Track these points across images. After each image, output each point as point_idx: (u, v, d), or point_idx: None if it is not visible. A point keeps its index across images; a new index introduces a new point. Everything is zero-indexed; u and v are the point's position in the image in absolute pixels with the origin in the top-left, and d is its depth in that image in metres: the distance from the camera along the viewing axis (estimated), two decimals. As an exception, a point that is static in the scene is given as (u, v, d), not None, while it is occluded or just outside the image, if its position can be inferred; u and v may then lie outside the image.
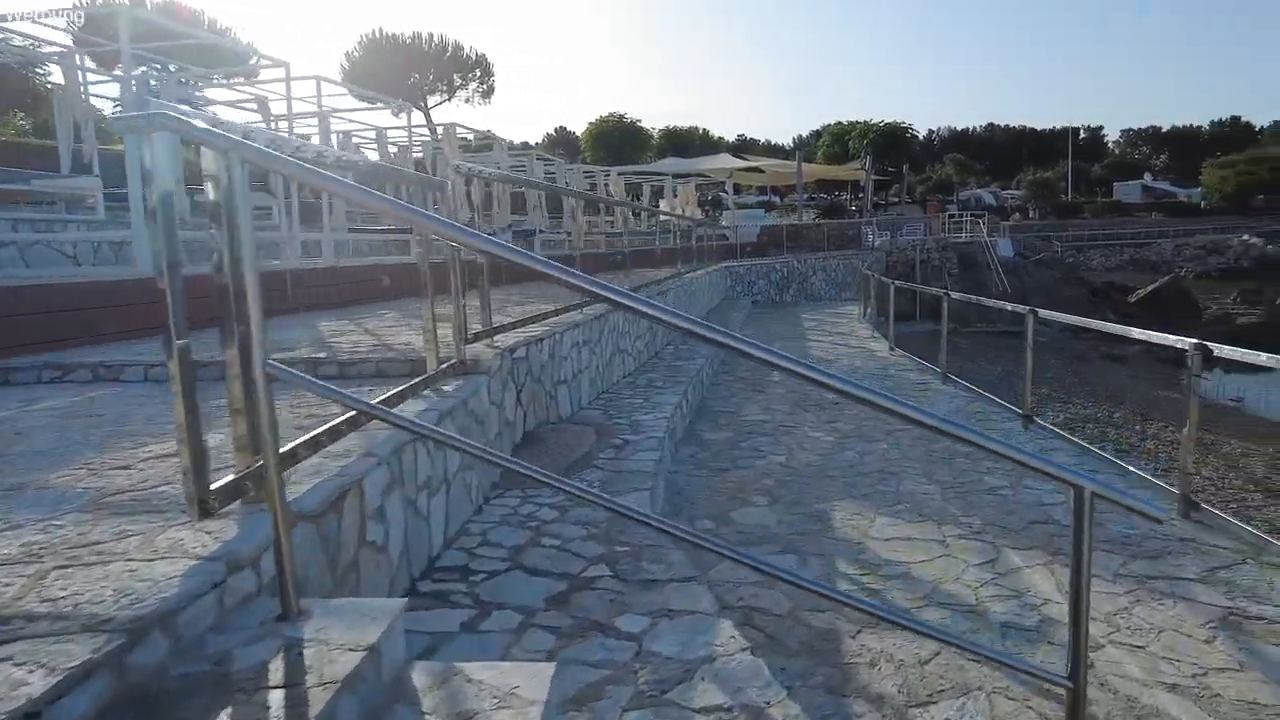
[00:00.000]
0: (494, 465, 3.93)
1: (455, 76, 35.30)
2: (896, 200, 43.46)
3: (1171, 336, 4.85)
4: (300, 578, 2.12)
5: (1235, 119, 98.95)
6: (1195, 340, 4.48)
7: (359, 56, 33.42)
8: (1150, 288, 31.88)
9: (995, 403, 7.58)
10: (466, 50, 35.27)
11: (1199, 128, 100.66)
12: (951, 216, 37.83)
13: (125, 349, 4.83)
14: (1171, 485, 4.82)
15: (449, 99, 35.97)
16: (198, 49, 16.06)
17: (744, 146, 79.43)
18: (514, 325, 5.19)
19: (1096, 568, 3.85)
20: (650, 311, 1.87)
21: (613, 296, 1.86)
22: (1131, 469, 5.39)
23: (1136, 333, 5.24)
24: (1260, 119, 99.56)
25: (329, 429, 2.44)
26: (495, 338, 4.85)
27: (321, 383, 1.89)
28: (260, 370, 1.69)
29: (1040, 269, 31.67)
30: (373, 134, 14.55)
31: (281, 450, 2.20)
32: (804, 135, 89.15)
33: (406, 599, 2.02)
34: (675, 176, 25.90)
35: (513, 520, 3.67)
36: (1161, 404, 14.86)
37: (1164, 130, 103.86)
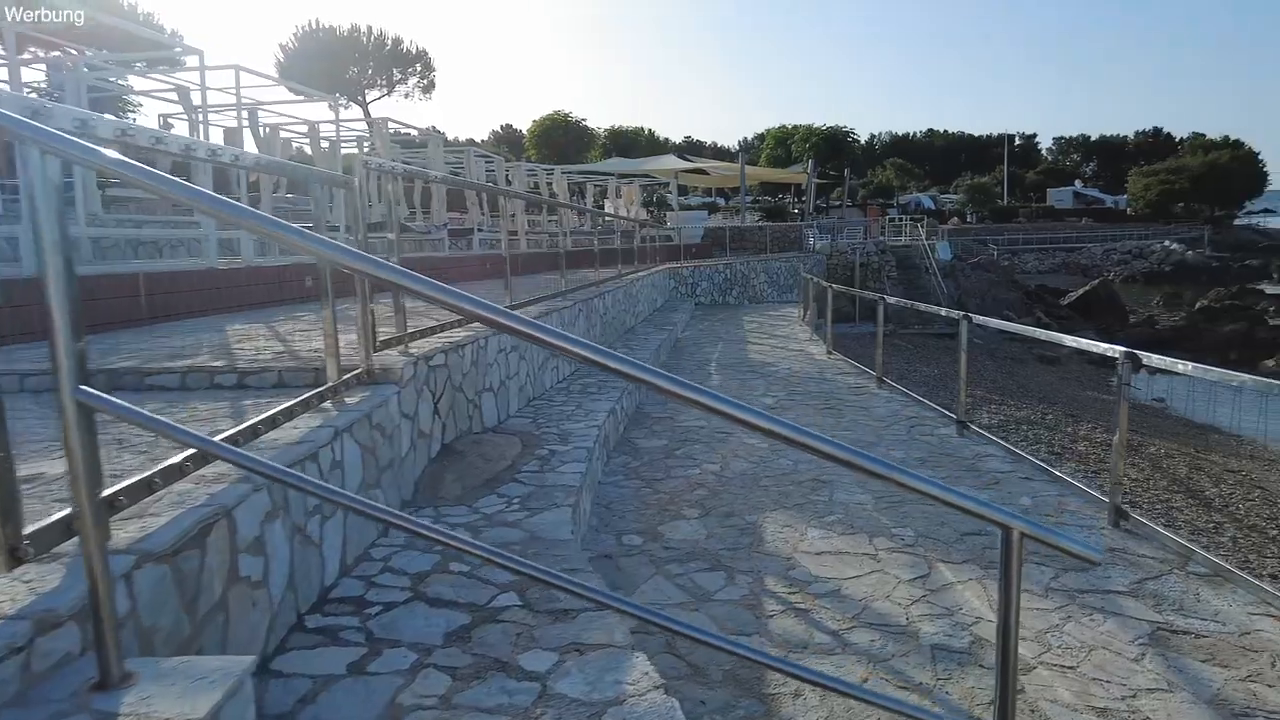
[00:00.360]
0: (363, 515, 3.67)
1: (395, 71, 34.48)
2: (839, 204, 43.99)
3: (1103, 344, 4.84)
4: (146, 628, 1.87)
5: (1158, 130, 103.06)
6: (1125, 349, 4.46)
7: (295, 48, 32.36)
8: (1081, 291, 32.83)
9: (930, 407, 7.57)
10: (407, 44, 34.58)
11: (1125, 137, 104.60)
12: (892, 220, 38.45)
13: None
14: (1103, 494, 4.80)
15: (389, 94, 35.21)
16: (118, 36, 15.33)
17: (691, 149, 79.70)
18: (434, 330, 4.93)
19: (1028, 582, 3.78)
20: (525, 330, 1.65)
21: (486, 315, 1.64)
22: (1063, 476, 5.37)
23: (1069, 340, 5.23)
24: (1180, 130, 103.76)
25: (191, 456, 2.16)
26: (412, 344, 4.59)
27: (148, 414, 1.63)
28: (69, 398, 1.43)
29: (977, 272, 32.37)
30: (305, 128, 14.04)
31: (131, 481, 1.94)
32: (749, 139, 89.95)
33: (255, 658, 1.77)
34: (620, 177, 25.73)
35: (420, 543, 3.42)
36: (1091, 405, 15.22)
37: (1093, 139, 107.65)
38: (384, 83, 34.57)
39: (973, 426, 6.57)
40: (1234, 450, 13.21)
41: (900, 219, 37.91)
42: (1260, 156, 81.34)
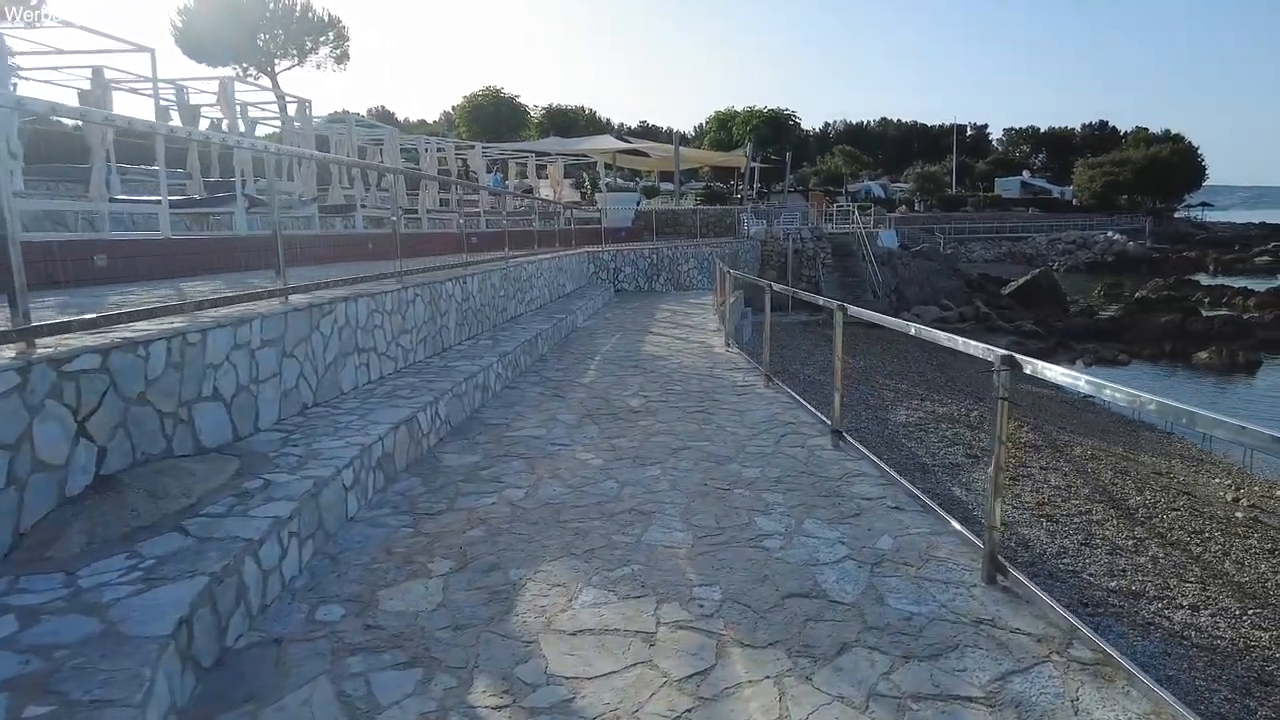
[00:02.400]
0: None
1: (306, 40, 32.42)
2: (781, 190, 43.13)
3: (980, 346, 3.79)
4: None
5: (1103, 123, 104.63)
6: (1004, 352, 3.41)
7: (194, 9, 29.96)
8: (1022, 280, 32.42)
9: (810, 412, 6.50)
10: (318, 11, 32.32)
11: (1072, 129, 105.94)
12: (840, 208, 37.74)
13: None
14: (980, 538, 3.76)
15: (299, 64, 33.09)
16: None
17: (646, 134, 78.17)
18: (99, 323, 3.67)
19: (848, 681, 2.69)
20: None
21: None
22: (937, 508, 4.32)
23: (944, 338, 4.16)
24: (1124, 124, 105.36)
25: None
26: (51, 338, 3.35)
27: None
28: None
29: (918, 260, 31.72)
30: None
31: None
32: (704, 124, 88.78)
33: None
34: (539, 155, 24.39)
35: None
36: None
37: (1042, 130, 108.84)
38: (295, 52, 32.50)
39: (848, 438, 5.51)
40: (1165, 449, 12.51)
41: (850, 207, 37.26)
42: (1199, 151, 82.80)
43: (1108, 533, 7.66)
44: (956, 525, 4.02)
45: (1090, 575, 6.62)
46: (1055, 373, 3.17)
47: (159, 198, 9.32)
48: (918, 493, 4.52)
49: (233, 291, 4.94)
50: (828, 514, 4.26)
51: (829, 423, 5.78)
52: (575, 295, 14.93)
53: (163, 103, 10.63)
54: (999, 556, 3.48)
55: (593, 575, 3.49)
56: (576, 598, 3.28)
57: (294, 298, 5.36)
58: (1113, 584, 6.48)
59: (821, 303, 5.96)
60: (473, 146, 22.81)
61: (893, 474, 4.79)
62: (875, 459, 5.08)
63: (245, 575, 3.01)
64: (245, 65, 30.36)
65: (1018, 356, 3.35)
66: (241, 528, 3.25)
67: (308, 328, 5.25)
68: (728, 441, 5.70)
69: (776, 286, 7.46)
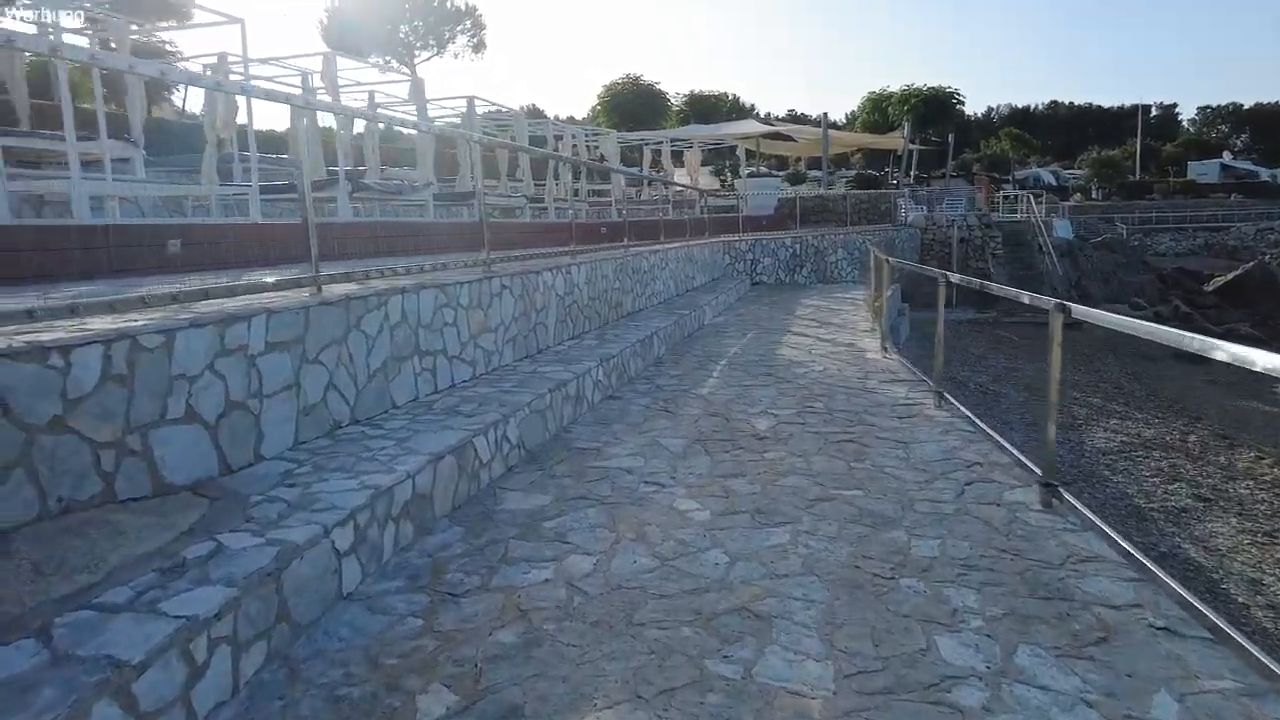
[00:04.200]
0: None
1: (444, 30, 32.49)
2: (942, 175, 39.78)
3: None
4: None
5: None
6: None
7: (339, 6, 30.72)
8: (1231, 275, 28.02)
9: (1003, 448, 4.81)
10: (455, 0, 31.94)
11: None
12: (1006, 196, 34.40)
13: None
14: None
15: (439, 54, 33.24)
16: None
17: (794, 121, 75.21)
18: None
19: None
20: None
21: None
22: (1241, 640, 2.63)
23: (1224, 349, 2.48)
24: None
25: None
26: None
27: None
28: None
29: (1100, 252, 28.06)
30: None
31: None
32: (855, 111, 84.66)
33: None
34: (675, 141, 23.09)
35: None
36: (1256, 425, 11.72)
37: (1246, 107, 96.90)
38: (434, 43, 32.67)
39: (1066, 496, 3.82)
40: None
41: (1016, 194, 33.93)
42: None
43: None
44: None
45: None
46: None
47: (248, 183, 8.74)
48: (1196, 602, 2.83)
49: (242, 281, 3.91)
50: (1054, 637, 2.68)
51: (1035, 469, 4.11)
52: (705, 289, 13.53)
53: (266, 83, 10.13)
54: None
55: (662, 749, 2.12)
56: (629, 806, 1.92)
57: (329, 289, 4.29)
58: None
59: (1029, 300, 4.27)
60: (607, 133, 21.82)
61: (1151, 566, 3.10)
62: (1115, 534, 3.39)
63: (87, 738, 1.86)
64: (387, 58, 30.86)
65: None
66: (133, 635, 2.11)
67: (342, 326, 4.15)
68: (888, 491, 4.16)
69: (955, 278, 5.77)
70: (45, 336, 2.77)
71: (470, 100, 12.87)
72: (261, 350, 3.59)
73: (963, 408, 5.74)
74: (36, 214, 9.26)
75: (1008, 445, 4.82)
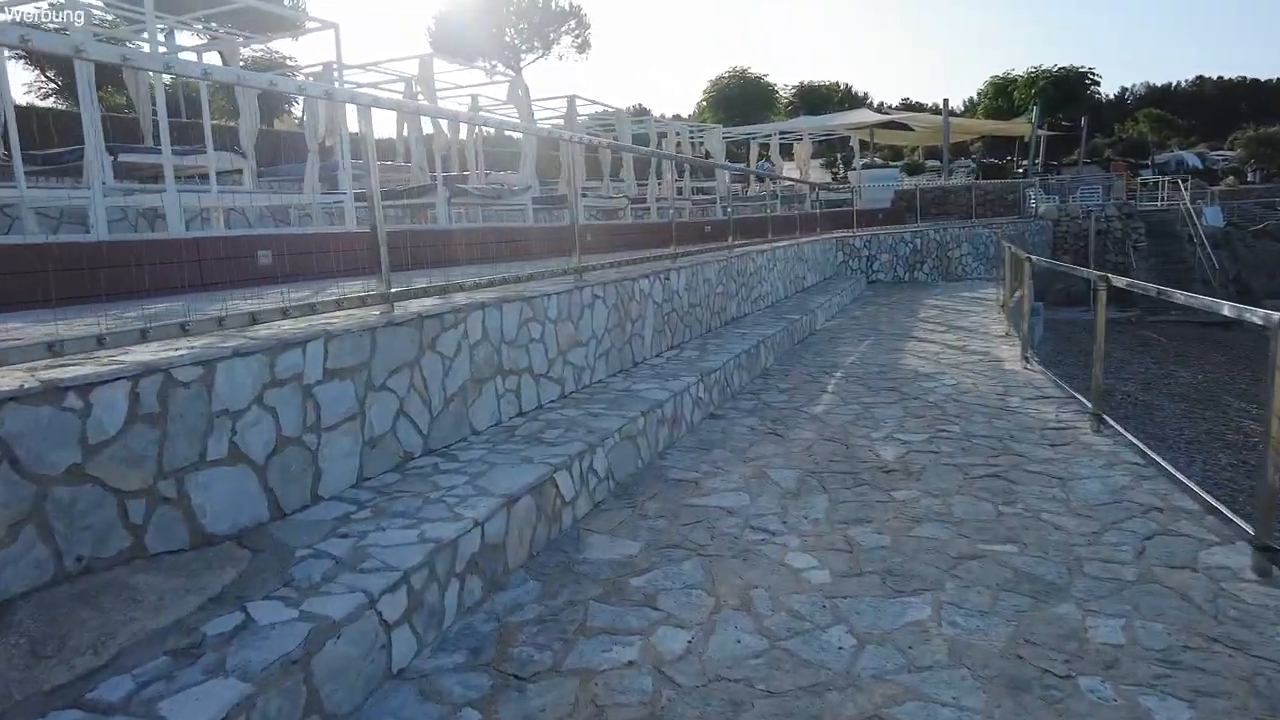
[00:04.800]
0: None
1: (549, 31, 32.52)
2: (1073, 161, 37.00)
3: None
4: None
5: None
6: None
7: (447, 13, 31.18)
8: None
9: (1189, 490, 3.94)
10: (560, 0, 31.92)
11: None
12: (1144, 182, 31.69)
13: None
14: None
15: (544, 56, 33.37)
16: (242, 13, 14.50)
17: (909, 110, 72.03)
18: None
19: None
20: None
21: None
22: None
23: None
24: None
25: None
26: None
27: None
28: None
29: (1263, 242, 25.26)
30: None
31: None
32: (976, 96, 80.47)
33: None
34: (783, 134, 22.15)
35: None
36: None
37: None
38: (539, 45, 32.77)
39: (1300, 569, 2.99)
40: None
41: (1156, 180, 31.25)
42: None
43: None
44: None
45: None
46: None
47: (344, 191, 8.63)
48: None
49: (312, 298, 3.55)
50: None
51: (1241, 523, 3.27)
52: (817, 289, 12.73)
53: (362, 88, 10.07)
54: None
55: None
56: None
57: (404, 307, 3.91)
58: None
59: (1229, 311, 3.41)
60: (711, 129, 21.19)
61: None
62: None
63: None
64: (493, 62, 31.21)
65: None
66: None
67: (414, 348, 3.75)
68: (1049, 545, 3.42)
69: (1122, 282, 4.86)
70: (65, 373, 2.45)
71: (571, 100, 12.54)
72: (319, 379, 3.22)
73: (1129, 434, 4.86)
74: (151, 228, 9.50)
75: (1194, 487, 3.96)
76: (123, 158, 9.01)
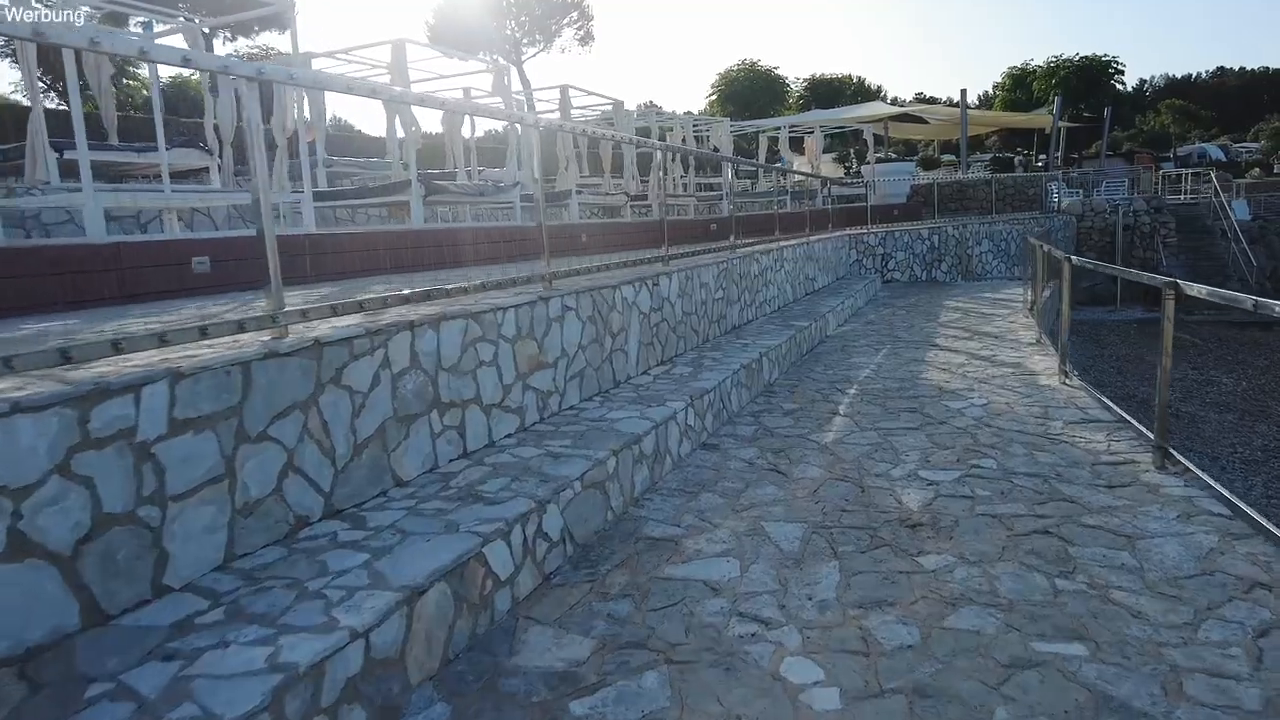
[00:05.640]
0: None
1: (550, 23, 31.60)
2: (1095, 154, 35.84)
3: None
4: None
5: None
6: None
7: (445, 7, 30.31)
8: None
9: (1310, 563, 3.10)
10: (561, -10, 30.90)
11: None
12: (1166, 175, 30.62)
13: None
14: None
15: (546, 49, 32.47)
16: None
17: (924, 104, 70.53)
18: None
19: None
20: None
21: None
22: None
23: None
24: None
25: None
26: None
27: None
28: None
29: (1297, 236, 24.11)
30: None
31: None
32: (993, 89, 78.93)
33: None
34: (793, 127, 21.26)
35: None
36: None
37: None
38: (541, 37, 31.87)
39: None
40: None
41: (1179, 173, 30.24)
42: None
43: None
44: None
45: None
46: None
47: (301, 190, 7.87)
48: None
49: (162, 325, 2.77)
50: None
51: None
52: (828, 291, 11.87)
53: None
54: None
55: None
56: None
57: (301, 330, 3.12)
58: None
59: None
60: (719, 122, 20.34)
61: None
62: None
63: None
64: (494, 55, 30.44)
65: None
66: None
67: (309, 383, 2.96)
68: (1129, 645, 2.59)
69: (1201, 290, 3.99)
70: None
71: (564, 89, 11.73)
72: (162, 433, 2.43)
73: (1206, 476, 4.01)
74: (122, 230, 8.80)
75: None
76: (68, 154, 8.28)
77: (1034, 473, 4.29)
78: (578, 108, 13.56)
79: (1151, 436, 4.52)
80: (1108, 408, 5.48)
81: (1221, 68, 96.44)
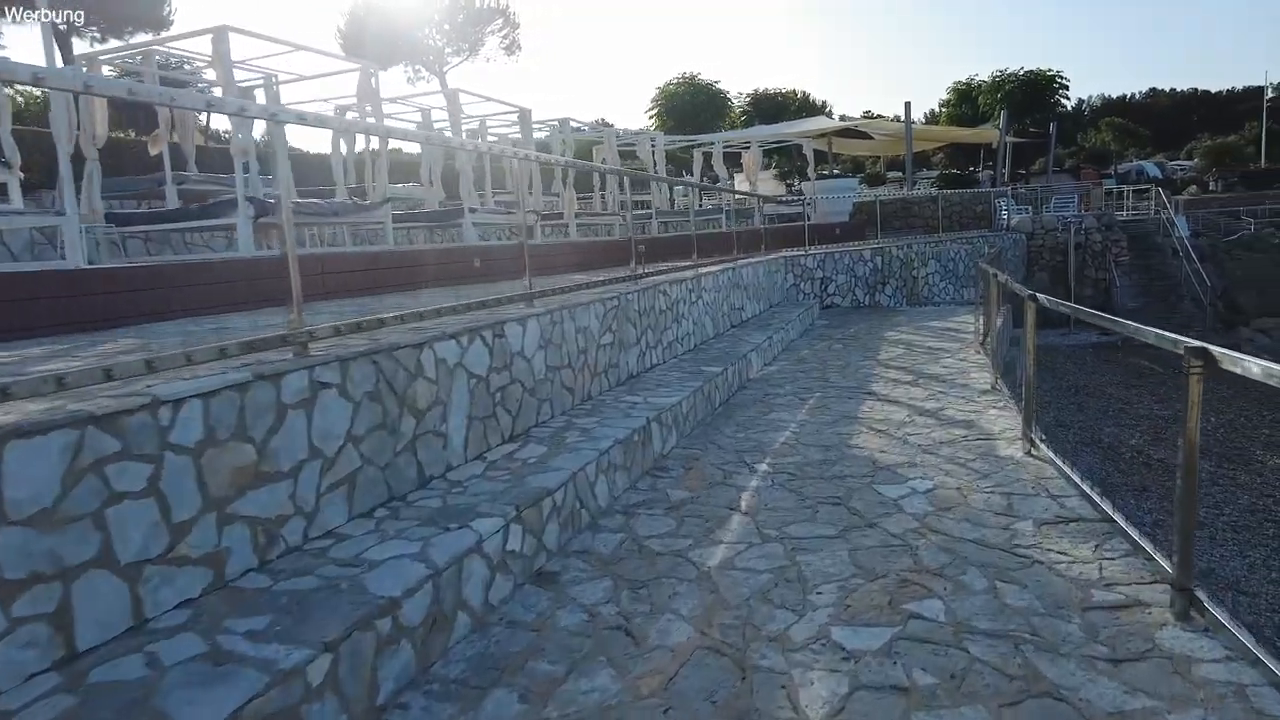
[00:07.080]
0: None
1: (472, 31, 29.99)
2: (1041, 170, 35.48)
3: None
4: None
5: None
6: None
7: (358, 12, 28.42)
8: None
9: None
10: (487, -1, 29.26)
11: None
12: (1108, 192, 30.36)
13: None
14: None
15: (471, 58, 30.86)
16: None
17: (868, 120, 70.32)
18: None
19: None
20: None
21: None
22: None
23: None
24: None
25: None
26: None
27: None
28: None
29: (1244, 253, 23.65)
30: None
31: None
32: (937, 108, 79.47)
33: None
34: (725, 145, 20.02)
35: None
36: None
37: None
38: (466, 47, 30.19)
39: None
40: None
41: (1119, 190, 30.04)
42: None
43: None
44: None
45: None
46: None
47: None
48: None
49: None
50: None
51: None
52: (756, 323, 10.52)
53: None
54: None
55: None
56: None
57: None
58: None
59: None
60: (651, 136, 19.03)
61: None
62: None
63: None
64: (415, 65, 28.85)
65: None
66: None
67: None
68: None
69: (1255, 368, 2.64)
70: None
71: (454, 94, 10.24)
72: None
73: (1256, 647, 2.64)
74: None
75: None
76: None
77: (1000, 630, 2.88)
78: (475, 115, 12.05)
79: (1167, 567, 3.15)
80: (1088, 497, 4.12)
81: (1154, 89, 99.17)
